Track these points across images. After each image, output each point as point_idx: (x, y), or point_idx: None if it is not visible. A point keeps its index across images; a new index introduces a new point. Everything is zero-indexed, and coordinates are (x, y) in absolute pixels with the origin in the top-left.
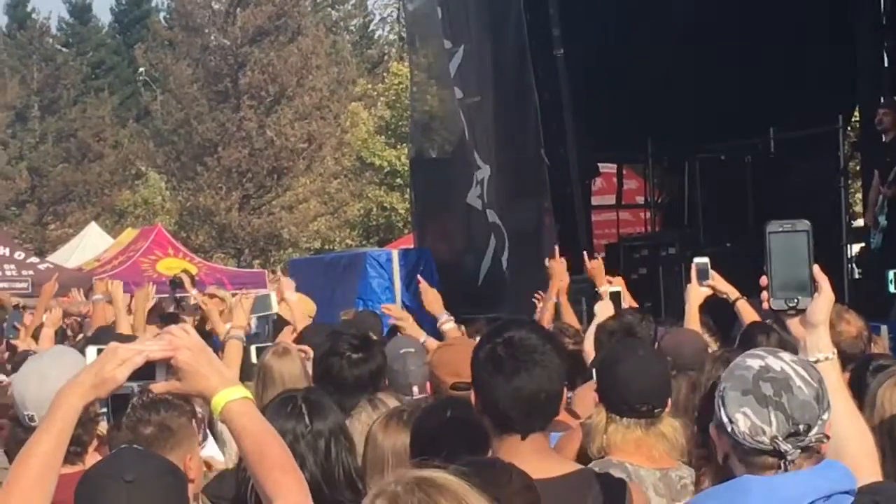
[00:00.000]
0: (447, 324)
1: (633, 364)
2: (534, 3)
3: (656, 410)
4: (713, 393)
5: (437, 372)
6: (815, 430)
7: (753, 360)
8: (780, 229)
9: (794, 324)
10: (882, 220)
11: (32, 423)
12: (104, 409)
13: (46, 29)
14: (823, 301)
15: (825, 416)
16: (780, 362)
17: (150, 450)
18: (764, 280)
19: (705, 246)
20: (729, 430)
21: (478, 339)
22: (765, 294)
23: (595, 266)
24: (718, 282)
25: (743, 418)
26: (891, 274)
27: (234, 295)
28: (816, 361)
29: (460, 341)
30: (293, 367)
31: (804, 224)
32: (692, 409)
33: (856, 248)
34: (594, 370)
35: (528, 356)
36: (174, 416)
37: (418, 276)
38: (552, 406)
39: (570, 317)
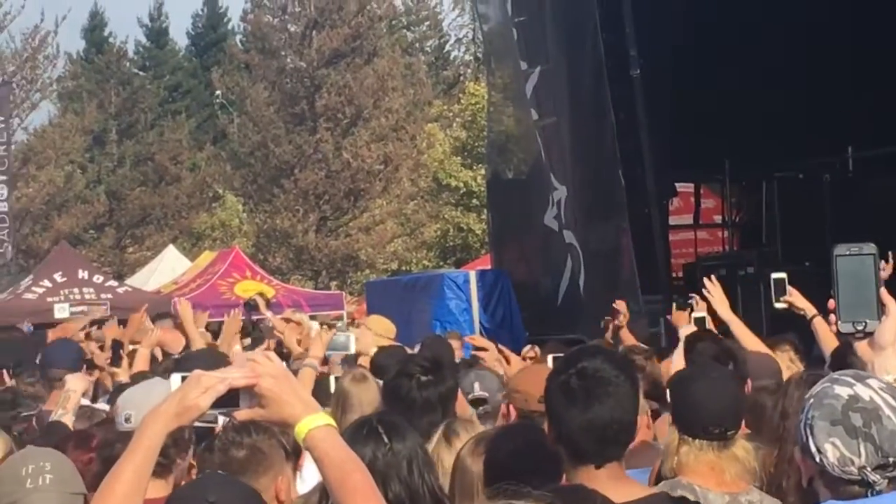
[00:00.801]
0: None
1: (706, 385)
2: (610, 23)
3: (729, 433)
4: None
5: (523, 389)
6: None
7: (842, 389)
8: (847, 253)
9: (862, 346)
10: None
11: (128, 424)
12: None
13: (124, 53)
14: (891, 323)
15: None
16: (869, 391)
17: (243, 472)
18: (832, 303)
19: (784, 265)
20: (817, 459)
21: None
22: (832, 317)
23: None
24: (796, 298)
25: (832, 449)
26: None
27: (312, 318)
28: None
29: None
30: (371, 392)
31: (870, 247)
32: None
33: None
34: (668, 391)
35: (601, 387)
36: (265, 439)
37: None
38: (626, 436)
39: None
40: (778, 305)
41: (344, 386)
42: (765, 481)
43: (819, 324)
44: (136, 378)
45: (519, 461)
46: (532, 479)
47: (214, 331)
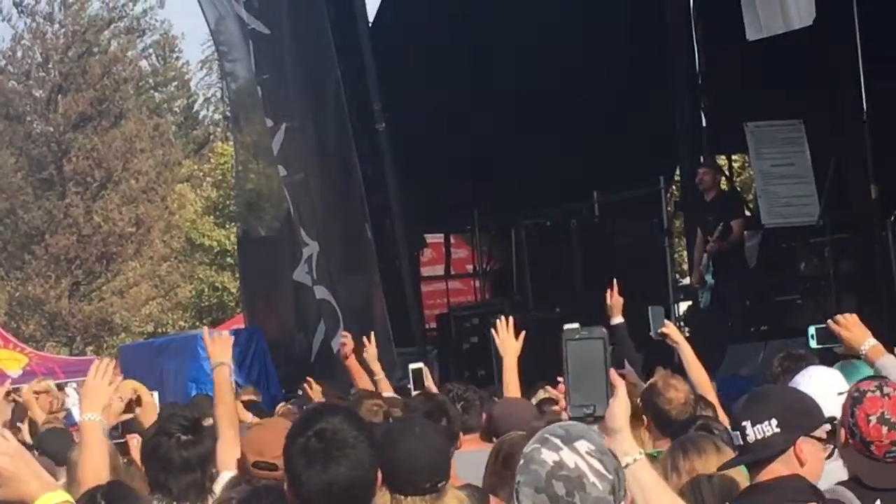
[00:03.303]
0: None
1: (410, 442)
2: (353, 79)
3: (440, 485)
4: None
5: (243, 450)
6: None
7: (549, 454)
8: (577, 337)
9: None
10: (709, 279)
11: None
12: None
13: None
14: (619, 406)
15: None
16: (575, 456)
17: None
18: (562, 388)
19: (535, 311)
20: None
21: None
22: (562, 402)
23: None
24: (672, 330)
25: None
26: (812, 329)
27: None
28: (626, 466)
29: (273, 422)
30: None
31: (600, 331)
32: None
33: (684, 307)
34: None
35: (340, 449)
36: None
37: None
38: (366, 496)
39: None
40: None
41: (72, 458)
42: None
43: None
44: None
45: None
46: None
47: None
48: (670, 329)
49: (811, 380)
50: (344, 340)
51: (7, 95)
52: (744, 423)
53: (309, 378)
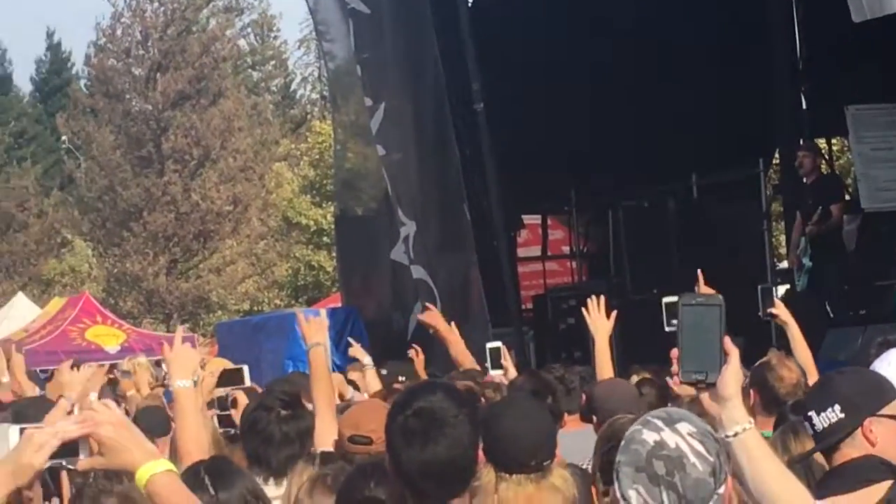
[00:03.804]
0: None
1: (516, 421)
2: (451, 58)
3: (545, 463)
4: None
5: (340, 426)
6: None
7: (650, 434)
8: (694, 303)
9: (706, 399)
10: (806, 262)
11: None
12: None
13: None
14: (731, 374)
15: (721, 490)
16: (676, 437)
17: None
18: (675, 353)
19: (632, 293)
20: None
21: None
22: (675, 367)
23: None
24: (781, 310)
25: (636, 496)
26: None
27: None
28: (735, 434)
29: (370, 401)
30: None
31: (717, 299)
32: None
33: (781, 290)
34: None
35: (438, 428)
36: (136, 487)
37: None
38: (465, 474)
39: None
40: (669, 329)
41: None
42: None
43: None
44: None
45: (369, 502)
46: None
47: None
48: (780, 309)
49: (889, 363)
50: (429, 311)
51: (107, 73)
52: (809, 413)
53: (416, 348)
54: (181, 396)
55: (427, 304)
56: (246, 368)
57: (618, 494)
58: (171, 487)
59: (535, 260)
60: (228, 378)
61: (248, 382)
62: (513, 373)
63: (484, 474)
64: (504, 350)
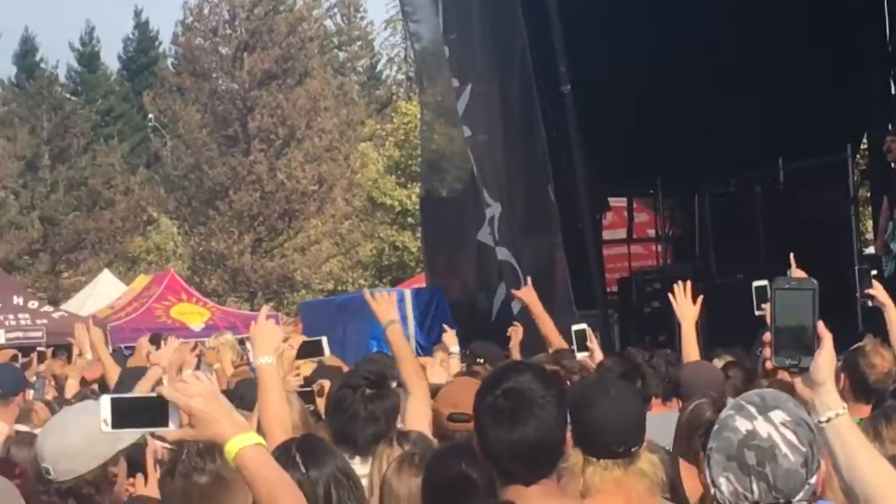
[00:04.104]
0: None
1: (605, 405)
2: (539, 40)
3: (633, 449)
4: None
5: (437, 406)
6: (799, 497)
7: (742, 422)
8: (787, 286)
9: (798, 384)
10: (894, 247)
11: (48, 476)
12: None
13: (55, 78)
14: (825, 359)
15: (812, 480)
16: (769, 426)
17: (204, 499)
18: (767, 336)
19: (717, 277)
20: (712, 491)
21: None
22: (767, 351)
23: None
24: (880, 291)
25: (726, 483)
26: None
27: (245, 340)
28: (828, 420)
29: (465, 379)
30: (293, 415)
31: (811, 283)
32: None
33: None
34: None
35: (527, 408)
36: (229, 466)
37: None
38: (552, 456)
39: None
40: (758, 313)
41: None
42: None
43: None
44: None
45: (457, 483)
46: (471, 499)
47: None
48: (878, 290)
49: None
50: (526, 288)
51: (194, 52)
52: None
53: (516, 324)
54: (264, 373)
55: (525, 280)
56: (325, 340)
57: (708, 480)
58: (260, 461)
59: (620, 242)
60: (308, 349)
61: (327, 353)
62: (599, 355)
63: (572, 456)
64: (590, 332)
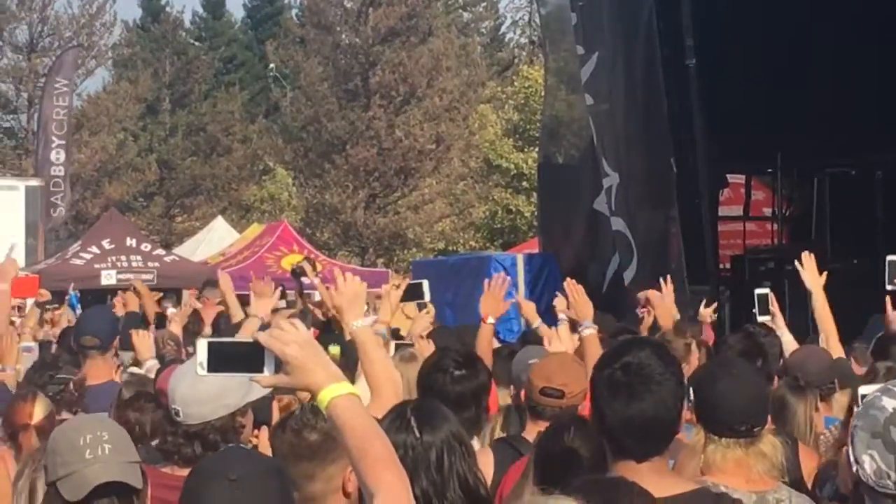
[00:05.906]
0: (587, 330)
1: (730, 383)
2: (666, 12)
3: (755, 429)
4: None
5: (531, 378)
6: None
7: (889, 401)
8: None
9: None
10: None
11: (177, 418)
12: None
13: (180, 22)
14: None
15: None
16: None
17: (312, 457)
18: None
19: (832, 262)
20: (855, 469)
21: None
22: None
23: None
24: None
25: (869, 461)
26: None
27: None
28: None
29: (562, 354)
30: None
31: None
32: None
33: None
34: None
35: (645, 384)
36: None
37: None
38: (668, 432)
39: None
40: (890, 287)
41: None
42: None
43: None
44: None
45: (568, 458)
46: (581, 475)
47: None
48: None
49: None
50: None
51: (319, 5)
52: None
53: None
54: (361, 336)
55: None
56: (426, 283)
57: (851, 458)
58: (353, 411)
59: (735, 219)
60: (411, 292)
61: (427, 297)
62: (780, 319)
63: (694, 433)
64: (772, 296)
